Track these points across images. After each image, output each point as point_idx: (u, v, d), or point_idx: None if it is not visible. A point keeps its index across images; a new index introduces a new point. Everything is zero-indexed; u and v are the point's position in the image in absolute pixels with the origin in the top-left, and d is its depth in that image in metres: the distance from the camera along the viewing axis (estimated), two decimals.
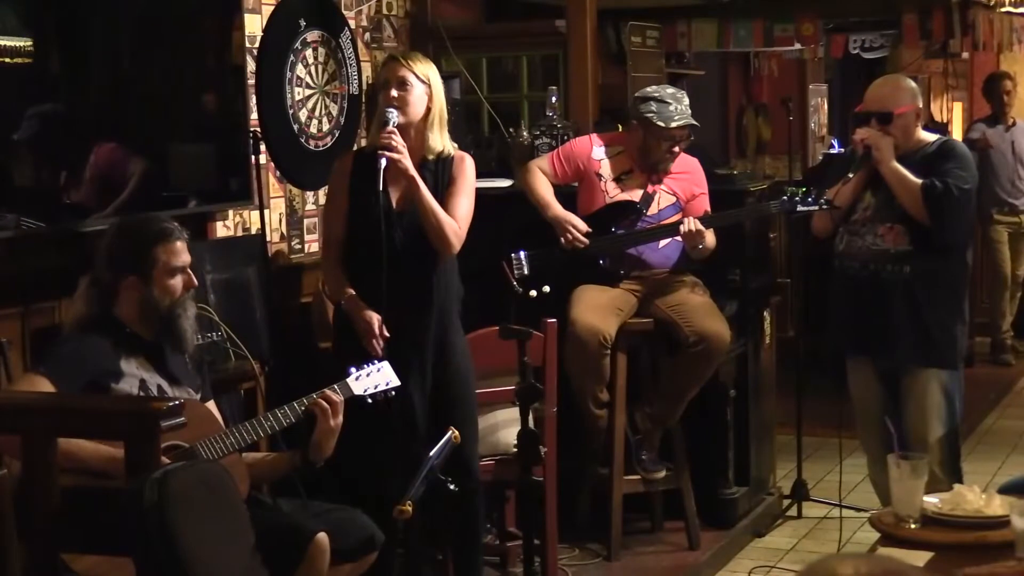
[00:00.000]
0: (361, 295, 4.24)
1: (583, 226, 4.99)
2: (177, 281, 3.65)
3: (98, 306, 3.63)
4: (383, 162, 4.10)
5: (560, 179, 5.15)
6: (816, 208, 4.79)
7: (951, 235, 4.62)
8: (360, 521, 3.71)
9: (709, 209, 5.12)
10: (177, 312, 3.65)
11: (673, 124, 4.99)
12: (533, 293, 4.93)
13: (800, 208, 4.84)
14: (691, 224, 4.90)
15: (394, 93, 4.20)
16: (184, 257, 3.67)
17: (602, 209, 5.07)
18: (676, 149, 5.06)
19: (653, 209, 5.08)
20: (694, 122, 5.06)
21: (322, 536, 3.51)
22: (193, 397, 3.68)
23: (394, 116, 4.17)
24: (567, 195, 5.17)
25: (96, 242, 3.75)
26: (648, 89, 5.18)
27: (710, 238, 4.97)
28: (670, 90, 5.15)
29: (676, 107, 5.02)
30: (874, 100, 4.68)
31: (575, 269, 5.01)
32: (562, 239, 4.99)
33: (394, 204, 4.25)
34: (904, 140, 4.63)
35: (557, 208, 5.06)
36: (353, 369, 3.94)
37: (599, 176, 5.10)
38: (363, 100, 5.86)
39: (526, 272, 4.99)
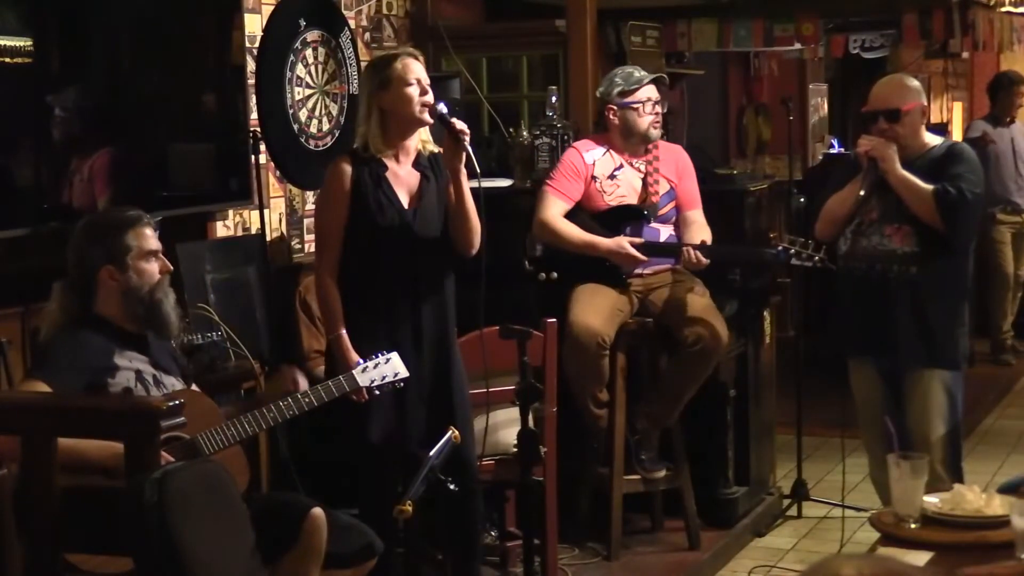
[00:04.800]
0: (375, 300, 4.23)
1: (630, 248, 4.95)
2: (153, 265, 3.64)
3: (78, 306, 3.62)
4: (467, 140, 4.11)
5: (575, 199, 5.06)
6: (811, 264, 4.79)
7: (964, 239, 4.64)
8: (359, 528, 3.71)
9: (699, 196, 5.15)
10: (158, 297, 3.64)
11: (646, 81, 5.05)
12: (542, 276, 4.97)
13: (795, 261, 4.84)
14: (691, 255, 4.90)
15: (430, 94, 4.18)
16: (155, 242, 3.67)
17: (606, 212, 5.06)
18: (658, 109, 5.08)
19: (653, 199, 5.08)
20: (661, 74, 5.19)
21: (317, 511, 3.49)
22: (182, 380, 3.70)
23: (444, 105, 4.20)
24: None
25: (67, 246, 3.73)
26: (605, 76, 5.27)
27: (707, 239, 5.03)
28: (629, 68, 5.22)
29: (637, 73, 5.10)
30: (880, 99, 4.67)
31: (580, 264, 5.00)
32: (625, 264, 4.97)
33: (406, 204, 4.24)
34: (912, 138, 4.62)
35: (605, 241, 4.98)
36: (360, 360, 3.94)
37: (594, 178, 5.09)
38: None
39: (538, 254, 5.00)
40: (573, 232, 5.02)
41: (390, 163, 4.23)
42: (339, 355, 4.17)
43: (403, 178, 4.24)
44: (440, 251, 4.25)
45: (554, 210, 5.04)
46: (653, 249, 4.99)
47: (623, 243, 4.96)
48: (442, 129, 4.15)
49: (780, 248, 4.87)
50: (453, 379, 4.26)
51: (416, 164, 4.25)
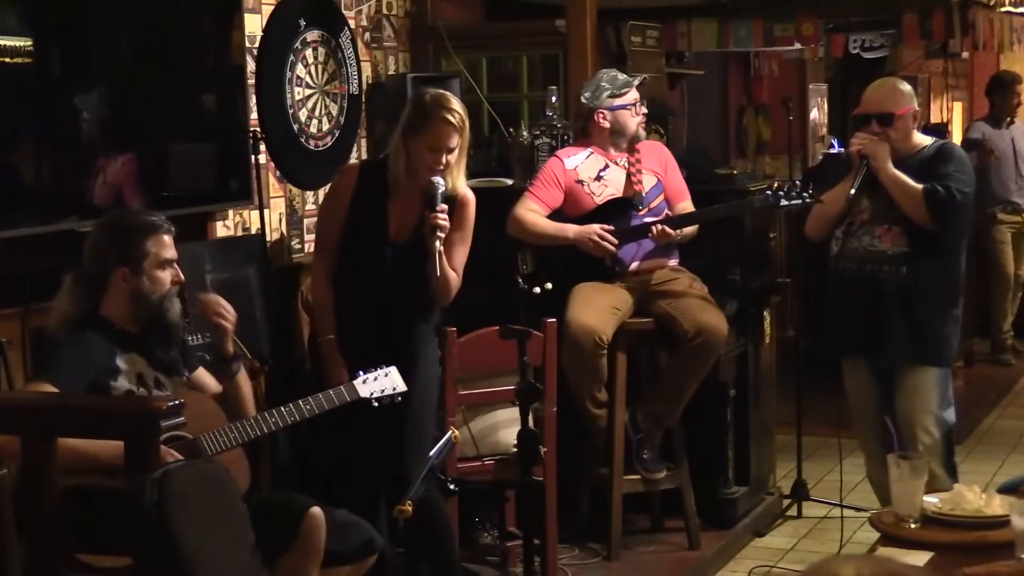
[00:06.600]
0: (348, 300, 4.27)
1: (599, 230, 4.96)
2: (166, 274, 3.67)
3: (86, 303, 3.63)
4: (439, 244, 4.11)
5: (552, 206, 5.07)
6: (800, 202, 4.79)
7: (955, 238, 4.64)
8: (359, 525, 3.72)
9: (686, 187, 5.17)
10: (166, 306, 3.67)
11: (635, 83, 5.10)
12: (536, 290, 4.95)
13: (784, 203, 4.83)
14: (658, 229, 4.93)
15: (446, 160, 4.17)
16: (172, 251, 3.70)
17: (596, 209, 5.06)
18: (643, 110, 5.13)
19: (638, 187, 5.09)
20: (644, 75, 5.27)
21: (316, 510, 3.50)
22: (183, 381, 3.71)
23: (442, 187, 4.15)
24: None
25: (83, 239, 3.75)
26: (586, 83, 5.25)
27: (688, 229, 5.06)
28: (611, 72, 5.24)
29: (621, 76, 5.15)
30: (873, 102, 4.69)
31: (575, 265, 5.00)
32: (593, 252, 4.97)
33: (391, 234, 4.26)
34: (904, 141, 4.64)
35: (573, 227, 5.01)
36: (361, 372, 3.95)
37: (580, 182, 5.09)
38: (363, 100, 5.87)
39: (528, 270, 4.99)
40: (541, 222, 5.04)
41: (399, 190, 4.25)
42: (327, 360, 4.23)
43: (403, 209, 4.26)
44: (415, 287, 4.25)
45: (529, 205, 5.07)
46: (625, 233, 5.00)
47: (593, 227, 4.98)
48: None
49: (767, 192, 4.88)
50: (419, 384, 4.24)
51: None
